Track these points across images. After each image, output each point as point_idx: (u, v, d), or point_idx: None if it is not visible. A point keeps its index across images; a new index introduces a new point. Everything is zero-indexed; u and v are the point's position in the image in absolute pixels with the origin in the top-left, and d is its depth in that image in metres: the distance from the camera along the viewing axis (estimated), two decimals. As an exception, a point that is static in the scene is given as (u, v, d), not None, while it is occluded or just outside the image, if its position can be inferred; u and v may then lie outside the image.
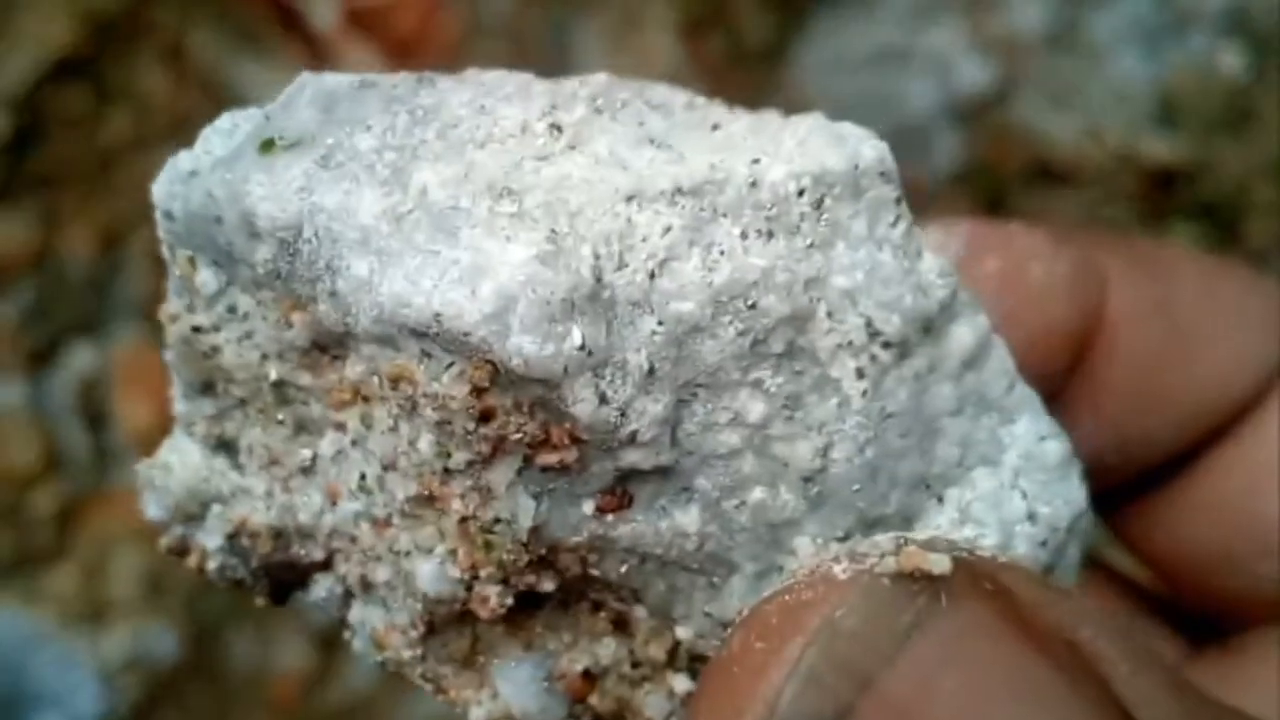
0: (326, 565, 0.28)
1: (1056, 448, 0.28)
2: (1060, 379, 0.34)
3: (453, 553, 0.25)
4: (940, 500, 0.27)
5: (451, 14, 0.69)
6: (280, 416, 0.27)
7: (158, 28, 0.66)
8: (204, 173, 0.26)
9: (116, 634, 0.64)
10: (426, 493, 0.25)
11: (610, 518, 0.26)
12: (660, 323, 0.24)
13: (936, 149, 0.72)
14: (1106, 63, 0.70)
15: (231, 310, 0.27)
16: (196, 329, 0.27)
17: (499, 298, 0.23)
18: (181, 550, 0.29)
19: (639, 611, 0.27)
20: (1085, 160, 0.70)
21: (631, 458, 0.25)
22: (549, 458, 0.24)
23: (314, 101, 0.26)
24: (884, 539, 0.25)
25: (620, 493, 0.25)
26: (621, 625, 0.28)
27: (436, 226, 0.24)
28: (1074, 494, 0.29)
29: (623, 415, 0.24)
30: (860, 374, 0.26)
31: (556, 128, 0.26)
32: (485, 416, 0.24)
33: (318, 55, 0.68)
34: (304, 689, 0.67)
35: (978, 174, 0.72)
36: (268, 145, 0.25)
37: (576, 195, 0.24)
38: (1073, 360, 0.34)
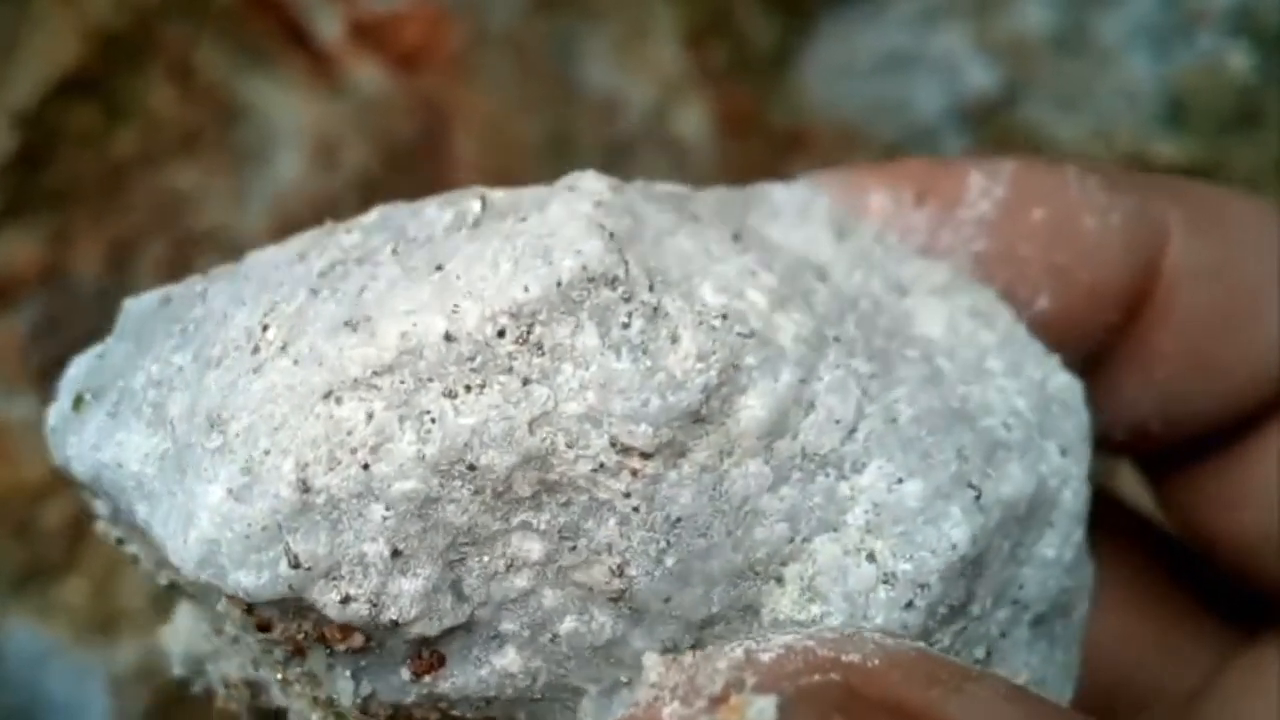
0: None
1: (916, 488, 0.25)
2: (1109, 339, 0.31)
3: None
4: (780, 581, 0.25)
5: (457, 25, 0.69)
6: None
7: (166, 44, 0.66)
8: (57, 429, 0.27)
9: (127, 646, 0.64)
10: (280, 677, 0.26)
11: (429, 678, 0.25)
12: (388, 507, 0.23)
13: (945, 152, 0.72)
14: (1114, 64, 0.70)
15: (130, 527, 0.28)
16: (119, 540, 0.29)
17: (202, 543, 0.23)
18: (209, 693, 0.30)
19: None
20: (1094, 162, 0.70)
21: (414, 630, 0.24)
22: (339, 646, 0.24)
23: (130, 333, 0.27)
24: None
25: (430, 654, 0.25)
26: None
27: (177, 466, 0.24)
28: (949, 534, 0.25)
29: (374, 605, 0.24)
30: (627, 494, 0.24)
31: (268, 329, 0.25)
32: (263, 628, 0.24)
33: (324, 69, 0.68)
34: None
35: (986, 178, 0.72)
36: (78, 402, 0.27)
37: (280, 406, 0.24)
38: (1124, 320, 0.31)
